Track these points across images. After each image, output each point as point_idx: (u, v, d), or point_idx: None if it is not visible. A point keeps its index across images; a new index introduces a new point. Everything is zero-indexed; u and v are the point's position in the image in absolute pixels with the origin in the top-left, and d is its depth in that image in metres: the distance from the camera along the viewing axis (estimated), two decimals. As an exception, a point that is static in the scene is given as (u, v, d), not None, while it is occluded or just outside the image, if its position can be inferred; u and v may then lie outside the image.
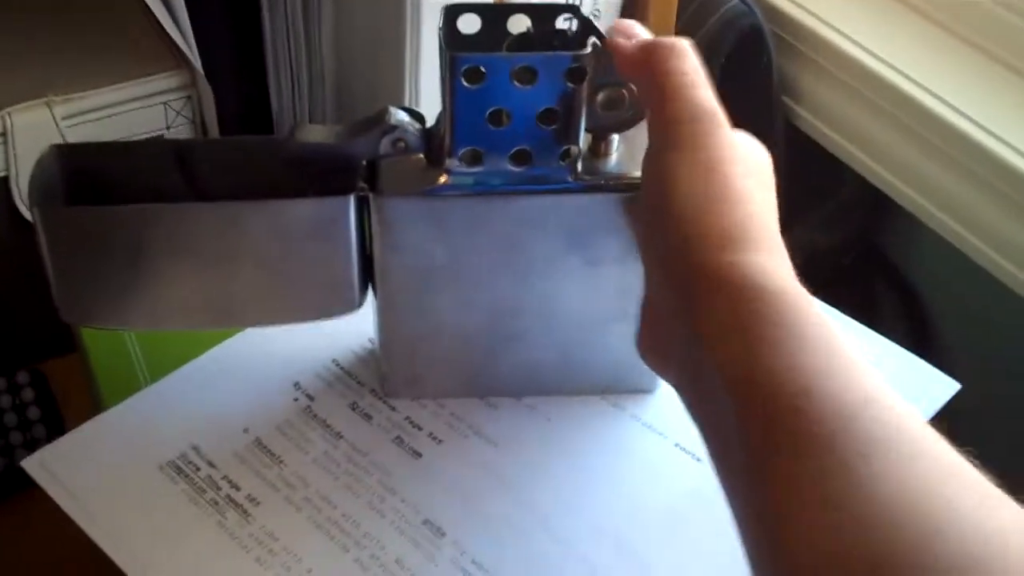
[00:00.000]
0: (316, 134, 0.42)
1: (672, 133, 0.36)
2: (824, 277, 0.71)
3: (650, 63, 0.37)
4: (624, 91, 0.40)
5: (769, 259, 0.34)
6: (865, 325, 0.53)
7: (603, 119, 0.40)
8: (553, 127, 0.39)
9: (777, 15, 0.73)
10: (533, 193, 0.41)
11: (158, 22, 0.54)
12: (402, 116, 0.41)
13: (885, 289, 0.81)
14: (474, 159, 0.40)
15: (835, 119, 0.73)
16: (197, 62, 0.54)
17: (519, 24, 0.40)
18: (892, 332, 0.78)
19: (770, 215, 0.36)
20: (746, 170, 0.36)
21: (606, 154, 0.41)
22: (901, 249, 0.80)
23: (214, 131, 0.57)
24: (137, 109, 0.56)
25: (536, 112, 0.39)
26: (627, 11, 0.60)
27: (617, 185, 0.41)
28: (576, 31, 0.40)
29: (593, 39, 0.39)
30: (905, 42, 0.71)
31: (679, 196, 0.34)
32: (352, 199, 0.41)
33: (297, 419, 0.46)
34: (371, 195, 0.41)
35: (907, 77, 0.69)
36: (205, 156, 0.43)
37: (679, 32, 0.64)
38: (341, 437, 0.45)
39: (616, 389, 0.47)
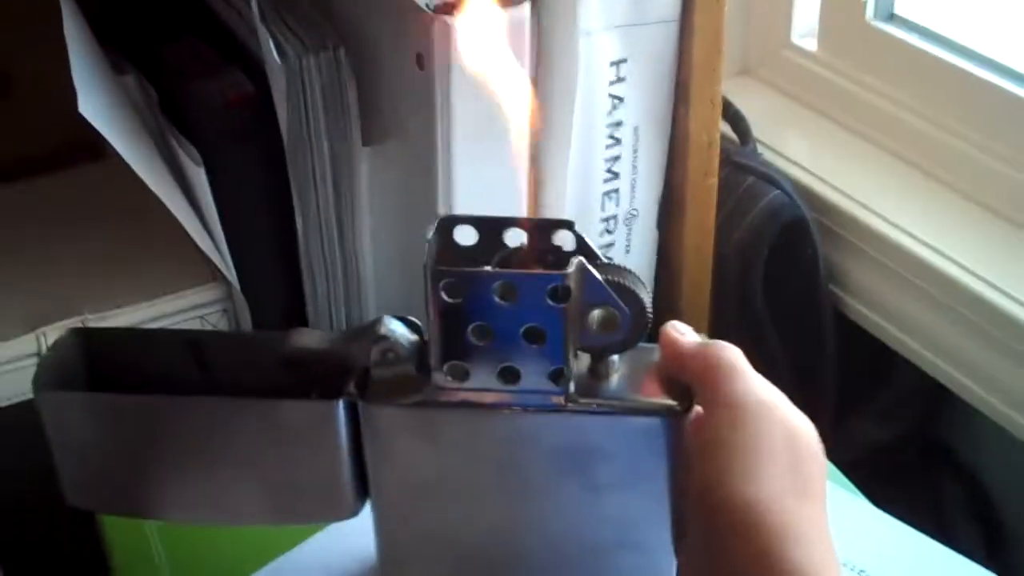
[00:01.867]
0: (311, 339, 0.41)
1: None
2: (884, 473, 0.68)
3: (705, 354, 0.37)
4: (617, 312, 0.38)
5: None
6: (933, 527, 0.50)
7: (597, 339, 0.39)
8: (540, 346, 0.38)
9: (821, 204, 0.72)
10: (524, 411, 0.39)
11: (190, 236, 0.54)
12: (395, 326, 0.40)
13: (951, 486, 0.77)
14: (461, 374, 0.38)
15: (885, 308, 0.70)
16: (232, 275, 0.54)
17: (517, 237, 0.39)
18: (962, 533, 0.74)
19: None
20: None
21: (606, 375, 0.39)
22: (965, 442, 0.75)
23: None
24: (173, 324, 0.55)
25: (520, 330, 0.37)
26: (665, 212, 0.59)
27: (613, 408, 0.39)
28: (573, 249, 0.39)
29: (579, 258, 0.37)
30: (953, 227, 0.69)
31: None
32: (341, 404, 0.40)
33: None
34: (359, 402, 0.40)
35: (956, 263, 0.66)
36: (215, 348, 0.43)
37: (720, 226, 0.62)
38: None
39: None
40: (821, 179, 0.73)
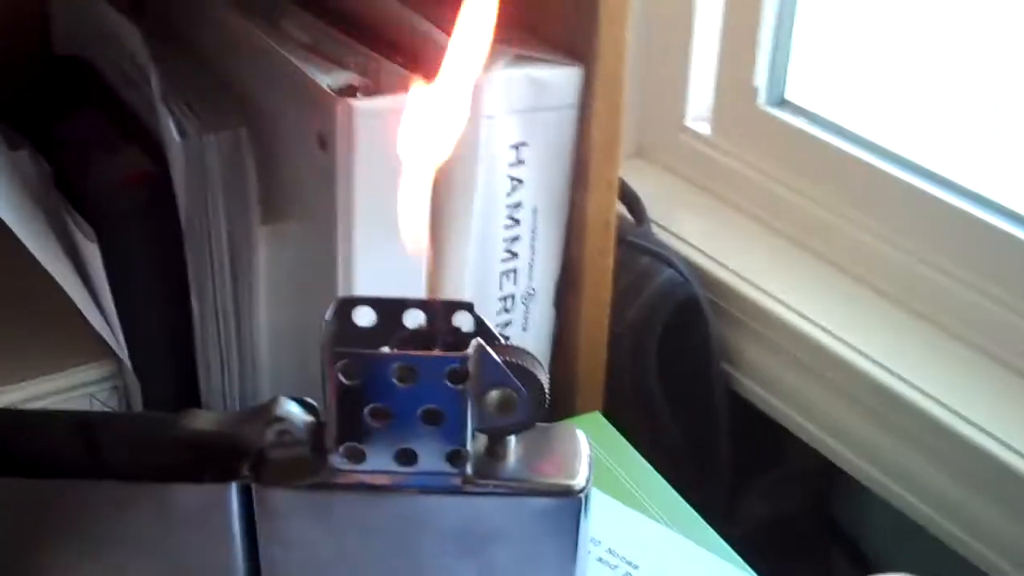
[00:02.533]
0: (205, 421, 0.40)
1: None
2: (778, 549, 0.68)
3: None
4: (515, 393, 0.38)
5: None
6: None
7: (496, 420, 0.39)
8: (438, 427, 0.37)
9: (713, 283, 0.73)
10: (421, 492, 0.39)
11: (81, 313, 0.53)
12: (290, 407, 0.39)
13: (843, 562, 0.78)
14: (356, 456, 0.38)
15: (776, 385, 0.72)
16: (123, 352, 0.53)
17: (416, 319, 0.39)
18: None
19: None
20: None
21: (503, 456, 0.39)
22: (855, 519, 0.77)
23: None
24: (62, 402, 0.54)
25: (418, 412, 0.37)
26: (562, 291, 0.59)
27: (511, 489, 0.39)
28: (472, 330, 0.39)
29: (478, 340, 0.37)
30: (840, 307, 0.71)
31: None
32: (234, 488, 0.39)
33: None
34: (253, 485, 0.39)
35: (848, 345, 0.68)
36: (106, 430, 0.42)
37: (615, 304, 0.63)
38: None
39: None
40: (713, 259, 0.75)
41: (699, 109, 0.84)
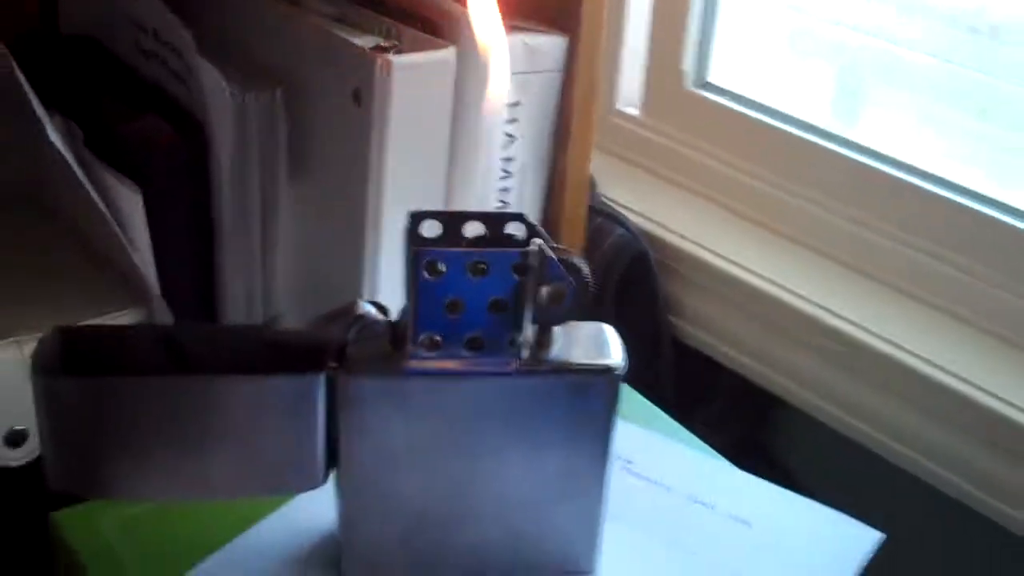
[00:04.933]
0: (288, 325, 0.45)
1: None
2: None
3: None
4: (565, 287, 0.44)
5: None
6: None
7: (545, 313, 0.44)
8: (502, 316, 0.43)
9: (656, 242, 0.80)
10: (484, 376, 0.44)
11: (111, 263, 0.56)
12: (368, 307, 0.44)
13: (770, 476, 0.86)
14: (433, 345, 0.43)
15: (713, 328, 0.79)
16: (159, 294, 0.57)
17: (475, 230, 0.45)
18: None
19: None
20: None
21: (548, 345, 0.45)
22: (786, 443, 0.85)
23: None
24: None
25: (488, 302, 0.43)
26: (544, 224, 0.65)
27: (557, 369, 0.45)
28: (523, 236, 0.45)
29: (537, 239, 0.43)
30: (769, 259, 0.79)
31: None
32: (323, 377, 0.44)
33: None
34: (340, 374, 0.44)
35: (773, 283, 0.76)
36: (190, 339, 0.46)
37: (585, 250, 0.69)
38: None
39: (559, 570, 0.49)
40: (653, 221, 0.82)
41: (629, 94, 0.91)
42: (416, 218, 0.44)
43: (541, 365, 0.44)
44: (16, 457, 0.56)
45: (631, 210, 0.83)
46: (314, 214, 0.59)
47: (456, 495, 0.46)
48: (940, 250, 0.74)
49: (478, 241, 0.44)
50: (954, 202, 0.73)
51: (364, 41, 0.54)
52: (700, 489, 0.54)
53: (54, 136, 0.55)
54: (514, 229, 0.45)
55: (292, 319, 0.61)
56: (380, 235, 0.55)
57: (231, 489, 0.46)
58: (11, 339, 0.55)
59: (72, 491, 0.46)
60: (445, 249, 0.42)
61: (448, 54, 0.54)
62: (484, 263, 0.42)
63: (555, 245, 0.44)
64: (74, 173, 0.57)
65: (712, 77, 0.87)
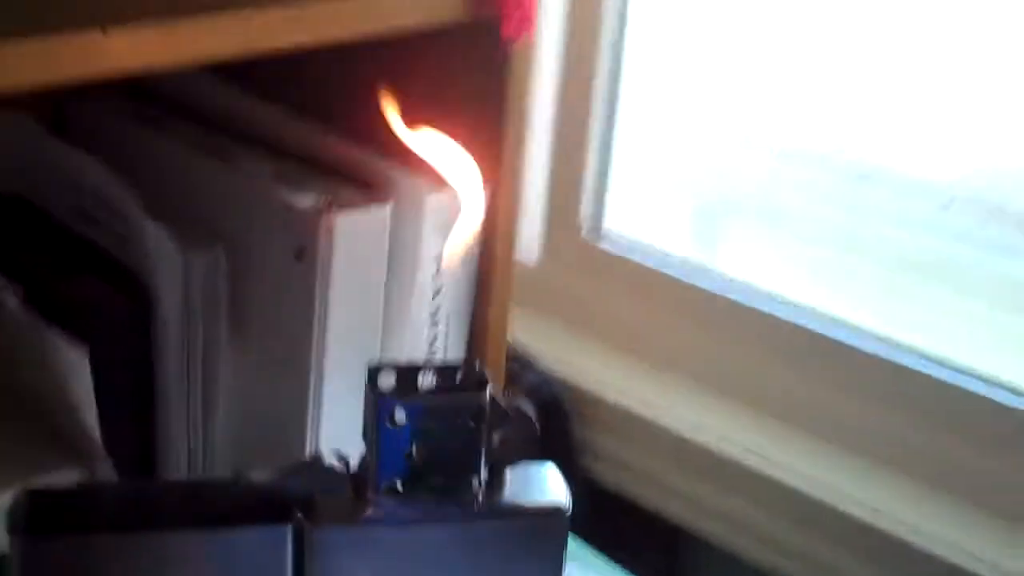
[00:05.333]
0: (256, 476, 0.46)
1: None
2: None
3: None
4: (515, 432, 0.47)
5: None
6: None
7: (497, 456, 0.47)
8: (460, 460, 0.46)
9: (568, 387, 0.84)
10: (445, 521, 0.46)
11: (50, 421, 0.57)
12: (330, 458, 0.47)
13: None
14: (394, 492, 0.45)
15: (626, 467, 0.82)
16: (102, 452, 0.57)
17: (427, 381, 0.47)
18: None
19: None
20: None
21: (500, 487, 0.48)
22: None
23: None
24: None
25: (446, 448, 0.45)
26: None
27: (512, 512, 0.47)
28: (473, 385, 0.47)
29: (489, 389, 0.46)
30: (662, 393, 0.83)
31: None
32: (290, 529, 0.45)
33: None
34: (306, 525, 0.45)
35: (679, 422, 0.80)
36: (159, 494, 0.47)
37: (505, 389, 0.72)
38: None
39: None
40: (561, 365, 0.86)
41: (529, 242, 0.96)
42: (375, 371, 0.47)
43: (497, 508, 0.47)
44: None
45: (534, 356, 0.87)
46: (255, 367, 0.60)
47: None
48: (827, 387, 0.79)
49: (431, 391, 0.47)
50: (841, 343, 0.79)
51: (303, 199, 0.57)
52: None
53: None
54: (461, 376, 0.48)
55: (246, 473, 0.62)
56: (323, 386, 0.58)
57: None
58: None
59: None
60: (408, 400, 0.45)
61: (385, 211, 0.57)
62: (443, 411, 0.45)
63: (503, 397, 0.47)
64: (17, 330, 0.58)
65: (608, 223, 0.92)
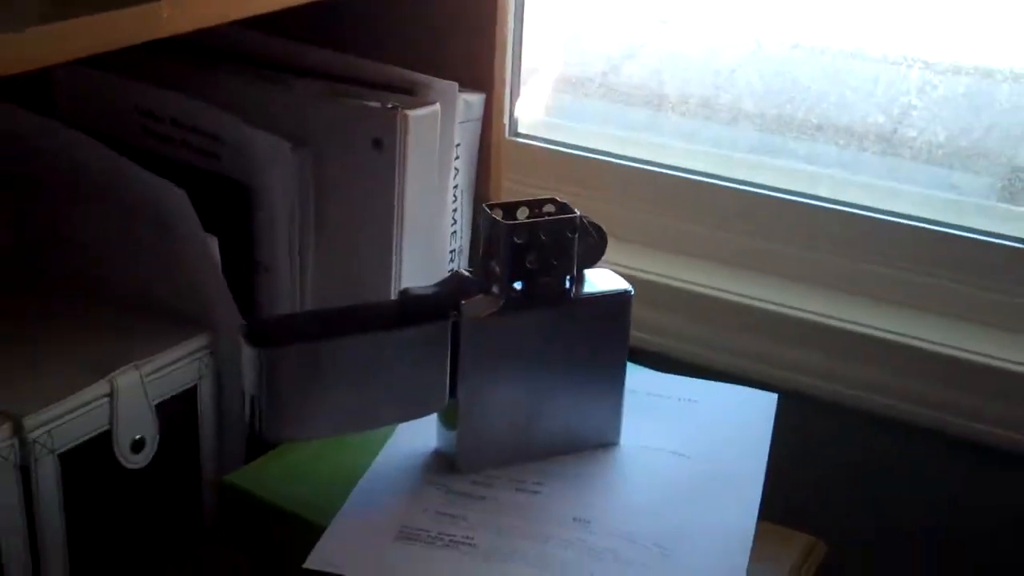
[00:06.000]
0: (418, 289, 0.64)
1: None
2: None
3: None
4: (597, 242, 0.66)
5: None
6: None
7: (581, 261, 0.67)
8: (559, 263, 0.65)
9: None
10: (551, 307, 0.66)
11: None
12: (466, 274, 0.65)
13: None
14: (516, 290, 0.64)
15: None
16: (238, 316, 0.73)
17: (523, 214, 0.66)
18: None
19: None
20: None
21: (583, 282, 0.67)
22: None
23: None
24: (184, 365, 0.72)
25: (552, 256, 0.64)
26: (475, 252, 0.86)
27: (597, 296, 0.67)
28: (557, 212, 0.66)
29: (577, 212, 0.65)
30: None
31: None
32: (449, 323, 0.63)
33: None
34: (461, 320, 0.64)
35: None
36: (351, 313, 0.64)
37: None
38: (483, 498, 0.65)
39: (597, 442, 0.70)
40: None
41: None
42: (488, 207, 0.65)
43: (584, 295, 0.67)
44: (138, 461, 0.71)
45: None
46: (342, 243, 0.77)
47: (537, 392, 0.67)
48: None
49: (535, 218, 0.66)
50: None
51: (373, 103, 0.74)
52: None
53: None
54: (548, 209, 0.67)
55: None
56: (403, 252, 0.75)
57: (388, 417, 0.64)
58: (132, 364, 0.70)
59: (283, 438, 0.63)
60: (525, 221, 0.64)
61: (436, 109, 0.75)
62: (552, 228, 0.64)
63: (584, 216, 0.67)
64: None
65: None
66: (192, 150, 0.77)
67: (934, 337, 0.91)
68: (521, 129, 1.13)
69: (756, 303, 0.96)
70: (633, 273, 0.95)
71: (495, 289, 0.64)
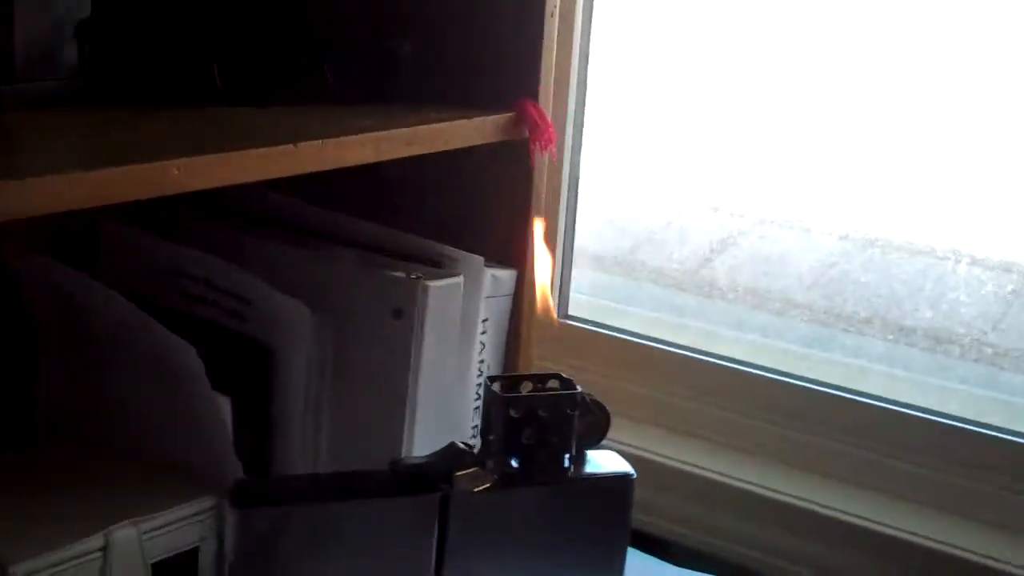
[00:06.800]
0: (412, 460, 0.64)
1: None
2: None
3: None
4: (599, 419, 0.65)
5: None
6: None
7: (580, 441, 0.65)
8: (557, 441, 0.63)
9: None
10: (547, 485, 0.64)
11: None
12: (461, 446, 0.64)
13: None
14: (511, 467, 0.63)
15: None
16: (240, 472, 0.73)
17: (526, 388, 0.65)
18: None
19: None
20: None
21: (582, 461, 0.66)
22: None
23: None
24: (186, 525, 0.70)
25: (550, 433, 0.63)
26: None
27: (596, 477, 0.65)
28: (561, 388, 0.65)
29: (579, 389, 0.64)
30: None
31: None
32: (439, 496, 0.62)
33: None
34: (452, 493, 0.62)
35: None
36: (336, 480, 0.63)
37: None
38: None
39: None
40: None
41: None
42: (490, 380, 0.65)
43: (583, 475, 0.65)
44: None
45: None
46: (356, 404, 0.77)
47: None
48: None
49: (536, 392, 0.65)
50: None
51: (396, 273, 0.75)
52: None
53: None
54: (551, 384, 0.66)
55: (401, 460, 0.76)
56: (415, 418, 0.75)
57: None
58: (129, 520, 0.70)
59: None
60: (523, 395, 0.63)
61: (459, 280, 0.76)
62: (549, 403, 0.63)
63: (586, 392, 0.66)
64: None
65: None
66: (222, 310, 0.79)
67: (989, 551, 0.86)
68: (572, 311, 1.13)
69: (801, 503, 0.93)
70: (672, 464, 0.93)
71: (490, 463, 0.63)
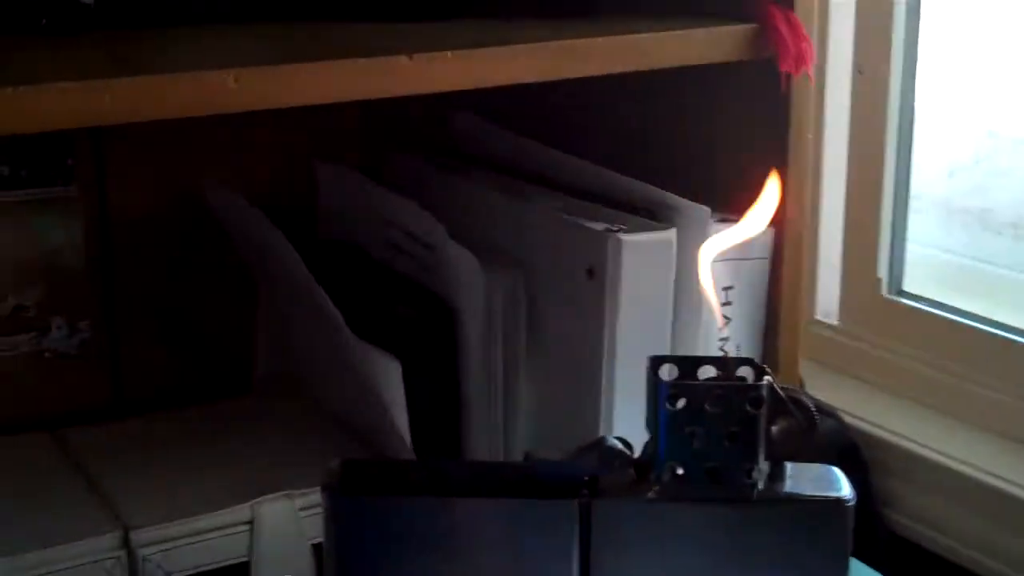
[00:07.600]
0: (549, 455, 0.50)
1: None
2: None
3: None
4: (794, 422, 0.49)
5: None
6: None
7: (776, 449, 0.49)
8: (738, 447, 0.48)
9: (866, 438, 0.83)
10: (724, 503, 0.48)
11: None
12: (614, 441, 0.50)
13: None
14: (674, 474, 0.48)
15: (926, 518, 0.81)
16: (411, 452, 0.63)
17: (707, 373, 0.50)
18: None
19: None
20: None
21: (780, 479, 0.49)
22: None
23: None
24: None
25: (725, 434, 0.47)
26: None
27: (792, 499, 0.49)
28: (753, 378, 0.50)
29: (769, 378, 0.48)
30: (968, 448, 0.81)
31: None
32: (576, 503, 0.49)
33: None
34: (594, 500, 0.49)
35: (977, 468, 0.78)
36: (456, 471, 0.52)
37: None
38: None
39: None
40: (857, 418, 0.86)
41: (826, 304, 0.96)
42: (656, 360, 0.50)
43: (774, 495, 0.48)
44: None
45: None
46: (550, 375, 0.65)
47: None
48: None
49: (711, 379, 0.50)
50: None
51: (596, 225, 0.61)
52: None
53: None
54: (743, 374, 0.50)
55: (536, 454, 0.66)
56: (613, 394, 0.61)
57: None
58: (283, 493, 0.62)
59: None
60: (687, 382, 0.48)
61: (670, 234, 0.61)
62: (721, 397, 0.47)
63: (784, 385, 0.49)
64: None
65: (907, 285, 0.92)
66: (415, 262, 0.69)
67: None
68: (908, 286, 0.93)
69: None
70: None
71: (653, 470, 0.49)
